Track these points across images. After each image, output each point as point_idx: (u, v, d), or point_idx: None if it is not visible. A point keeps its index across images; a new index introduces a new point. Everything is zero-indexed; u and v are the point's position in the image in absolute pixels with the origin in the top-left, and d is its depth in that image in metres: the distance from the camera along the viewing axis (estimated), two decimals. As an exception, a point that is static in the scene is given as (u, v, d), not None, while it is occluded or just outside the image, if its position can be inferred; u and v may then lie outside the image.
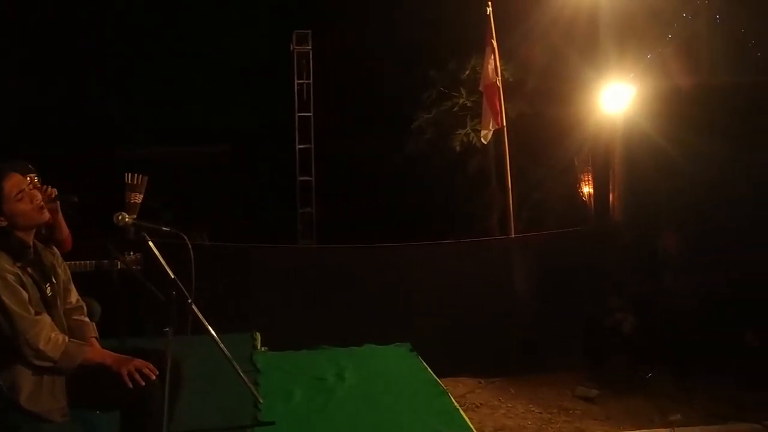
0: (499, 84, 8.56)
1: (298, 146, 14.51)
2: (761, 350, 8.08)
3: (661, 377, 8.24)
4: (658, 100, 9.29)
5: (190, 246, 3.75)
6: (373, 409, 5.36)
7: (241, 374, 4.33)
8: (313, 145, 14.42)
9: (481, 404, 7.69)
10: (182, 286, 3.64)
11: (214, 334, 3.96)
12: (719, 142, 9.26)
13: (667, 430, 6.77)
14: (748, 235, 9.40)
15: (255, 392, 4.87)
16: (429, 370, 6.30)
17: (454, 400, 5.56)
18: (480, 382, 8.30)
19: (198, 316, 3.81)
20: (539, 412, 7.46)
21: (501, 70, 8.81)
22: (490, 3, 8.47)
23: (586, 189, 9.86)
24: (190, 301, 3.68)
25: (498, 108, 8.58)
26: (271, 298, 8.35)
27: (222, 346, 4.04)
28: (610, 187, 9.35)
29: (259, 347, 6.98)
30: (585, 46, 9.15)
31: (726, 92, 9.35)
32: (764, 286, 8.75)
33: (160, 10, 14.16)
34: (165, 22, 14.45)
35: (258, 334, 7.15)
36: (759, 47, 9.44)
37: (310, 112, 14.47)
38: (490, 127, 8.68)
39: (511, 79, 9.39)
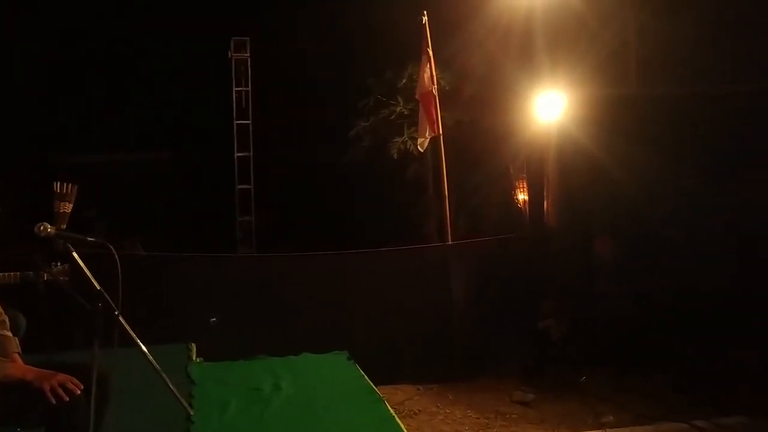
0: (435, 92, 8.64)
1: (236, 154, 14.36)
2: (691, 353, 8.36)
3: (595, 380, 8.44)
4: (591, 108, 9.51)
5: (116, 256, 3.66)
6: (309, 418, 5.34)
7: (171, 386, 4.25)
8: (252, 153, 14.29)
9: (419, 411, 7.73)
10: (109, 298, 3.56)
11: (143, 346, 3.88)
12: (650, 151, 9.54)
13: (600, 431, 6.91)
14: (679, 242, 9.72)
15: (185, 404, 4.78)
16: (366, 377, 6.30)
17: (390, 408, 5.58)
18: (419, 389, 8.34)
19: (125, 328, 3.73)
20: (477, 417, 7.54)
21: (437, 78, 8.90)
22: (425, 12, 8.55)
23: (522, 196, 10.03)
24: (117, 312, 3.59)
25: (434, 116, 8.65)
26: (206, 308, 8.22)
27: (150, 357, 3.96)
28: (545, 194, 9.53)
29: (194, 358, 6.88)
30: (520, 54, 9.31)
31: (655, 102, 9.65)
32: (695, 292, 9.07)
33: (96, 13, 13.86)
34: (102, 25, 14.15)
35: (193, 344, 7.04)
36: (685, 58, 9.76)
37: (248, 120, 14.34)
38: (427, 135, 8.75)
39: (447, 88, 9.49)
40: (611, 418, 7.29)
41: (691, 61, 10.15)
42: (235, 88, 14.32)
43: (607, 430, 6.95)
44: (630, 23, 9.69)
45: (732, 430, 6.80)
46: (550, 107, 9.07)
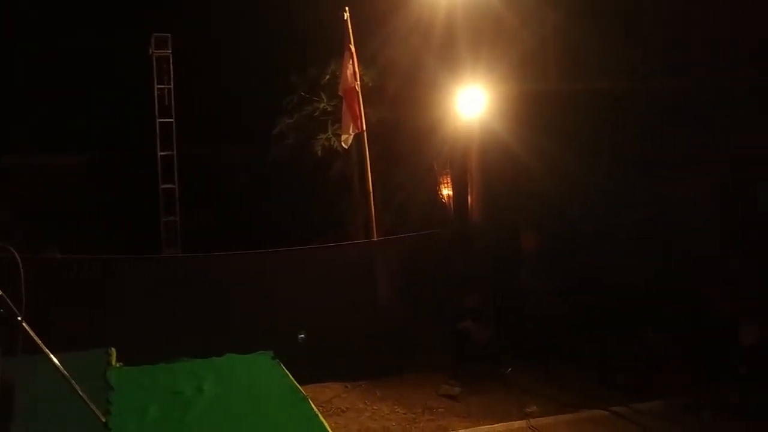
0: (358, 88, 8.63)
1: (159, 153, 14.03)
2: (611, 345, 8.59)
3: (521, 372, 8.59)
4: (512, 104, 9.67)
5: (18, 259, 3.52)
6: (232, 420, 5.24)
7: (80, 393, 4.10)
8: (175, 152, 13.98)
9: (347, 408, 7.72)
10: (10, 303, 3.41)
11: (48, 353, 3.73)
12: (570, 146, 9.76)
13: (524, 421, 7.04)
14: (600, 237, 9.98)
15: (97, 411, 4.62)
16: (290, 377, 6.22)
17: (314, 407, 5.51)
18: (346, 386, 8.33)
19: (31, 335, 3.58)
20: (404, 413, 7.57)
21: (360, 75, 8.90)
22: (347, 8, 8.53)
23: (446, 191, 10.12)
24: (19, 318, 3.45)
25: (357, 112, 8.64)
26: (127, 311, 8.01)
27: (58, 364, 3.81)
28: (469, 190, 9.64)
29: (114, 363, 6.68)
30: (443, 52, 9.38)
31: (573, 97, 9.87)
32: (615, 286, 9.33)
33: (7, 8, 13.31)
34: (14, 21, 13.59)
35: (113, 349, 6.82)
36: (600, 54, 10.00)
37: (171, 118, 14.03)
38: (351, 132, 8.74)
39: (371, 84, 9.49)
40: (535, 408, 7.43)
41: (608, 58, 10.43)
42: (157, 86, 13.98)
43: (531, 420, 7.06)
44: (548, 21, 9.88)
45: (648, 413, 7.02)
46: (472, 103, 9.18)
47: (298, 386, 6.05)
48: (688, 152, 11.18)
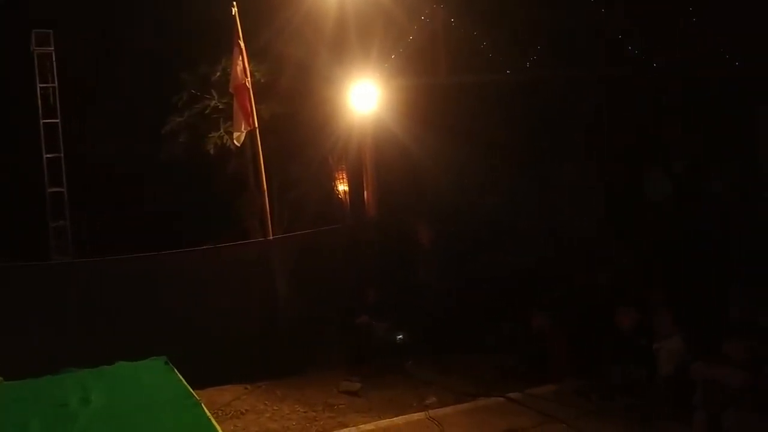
0: (249, 85, 8.48)
1: (45, 155, 13.33)
2: (506, 333, 8.78)
3: (420, 365, 8.68)
4: (404, 99, 9.74)
5: None
6: (119, 430, 5.06)
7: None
8: (63, 154, 13.32)
9: (246, 410, 7.60)
10: None
11: None
12: (460, 139, 9.93)
13: (423, 413, 7.10)
14: (493, 228, 10.19)
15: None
16: (183, 382, 6.04)
17: (207, 411, 5.39)
18: (246, 388, 8.20)
19: None
20: (304, 411, 7.51)
21: (251, 71, 8.74)
22: (235, 4, 8.35)
23: (342, 187, 10.10)
24: None
25: (249, 109, 8.49)
26: (10, 322, 7.62)
27: None
28: (364, 185, 9.64)
29: (-7, 378, 6.34)
30: (335, 46, 9.34)
31: (464, 90, 10.04)
32: (509, 275, 9.54)
33: None
34: None
35: (-8, 364, 6.49)
36: (490, 48, 10.23)
37: (57, 119, 13.35)
38: (243, 129, 8.57)
39: (263, 80, 9.34)
40: (434, 399, 7.52)
41: (498, 53, 10.69)
42: (39, 85, 13.27)
43: (430, 411, 7.14)
44: (437, 16, 10.01)
45: (542, 398, 7.22)
46: (365, 98, 9.18)
47: (192, 391, 5.89)
48: (579, 143, 11.60)
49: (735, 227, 9.80)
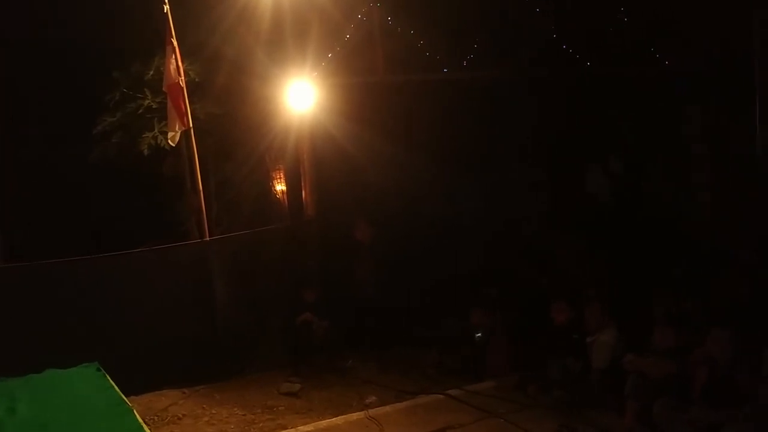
0: (183, 84, 8.32)
1: (-34, 161, 12.82)
2: (447, 330, 8.84)
3: (361, 364, 8.68)
4: (342, 97, 9.71)
5: None
6: (48, 440, 4.94)
7: None
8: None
9: (183, 415, 7.47)
10: None
11: None
12: (399, 138, 9.95)
13: (363, 412, 7.11)
14: (434, 228, 10.27)
15: None
16: (116, 388, 5.93)
17: (139, 418, 5.30)
18: (184, 392, 8.05)
19: None
20: (243, 414, 7.43)
21: (185, 69, 8.58)
22: (167, 1, 8.17)
23: (279, 187, 10.01)
24: None
25: (183, 109, 8.33)
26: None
27: None
28: (302, 184, 9.59)
29: None
30: (271, 46, 9.23)
31: (403, 90, 10.07)
32: (450, 275, 9.62)
33: None
34: None
35: None
36: (428, 48, 10.28)
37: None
38: (177, 129, 8.41)
39: (197, 79, 9.16)
40: (374, 398, 7.53)
41: (437, 51, 10.74)
42: (-42, 85, 12.76)
43: (370, 410, 7.15)
44: (374, 14, 10.01)
45: (481, 394, 7.30)
46: (302, 96, 9.12)
47: (124, 398, 5.80)
48: (522, 143, 11.76)
49: (669, 223, 10.09)
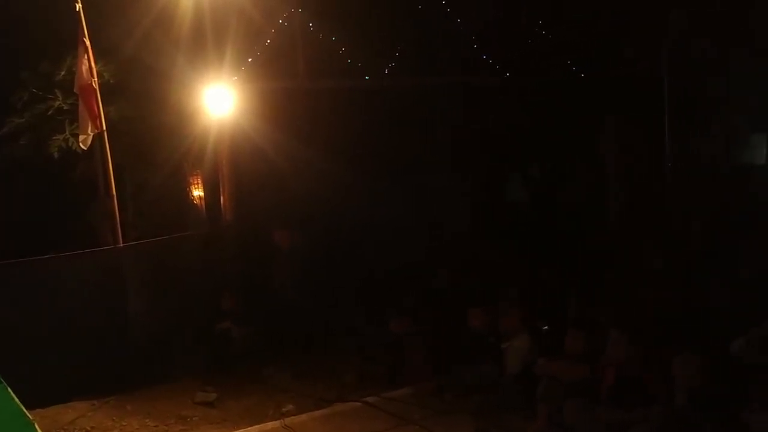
0: (96, 85, 8.08)
1: None
2: (368, 337, 8.82)
3: (279, 371, 8.54)
4: (262, 102, 9.63)
5: None
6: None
7: None
8: None
9: (92, 427, 7.24)
10: None
11: None
12: (322, 144, 9.92)
13: (279, 421, 7.03)
14: (356, 232, 10.24)
15: None
16: (16, 401, 5.64)
17: (39, 430, 5.08)
18: (93, 404, 7.77)
19: None
20: (155, 426, 7.24)
21: (98, 71, 8.34)
22: (79, -1, 7.94)
23: (197, 192, 9.83)
24: None
25: (96, 111, 8.09)
26: None
27: None
28: (221, 190, 9.44)
29: None
30: (190, 50, 9.07)
31: (325, 96, 10.04)
32: (370, 279, 9.60)
33: None
34: None
35: None
36: (350, 54, 10.29)
37: None
38: (89, 131, 8.15)
39: (111, 81, 8.91)
40: (291, 407, 7.44)
41: (359, 57, 10.76)
42: None
43: (286, 419, 7.07)
44: (295, 19, 9.96)
45: (398, 401, 7.31)
46: (221, 100, 8.99)
47: (25, 410, 5.53)
48: (445, 149, 11.89)
49: (585, 229, 10.36)
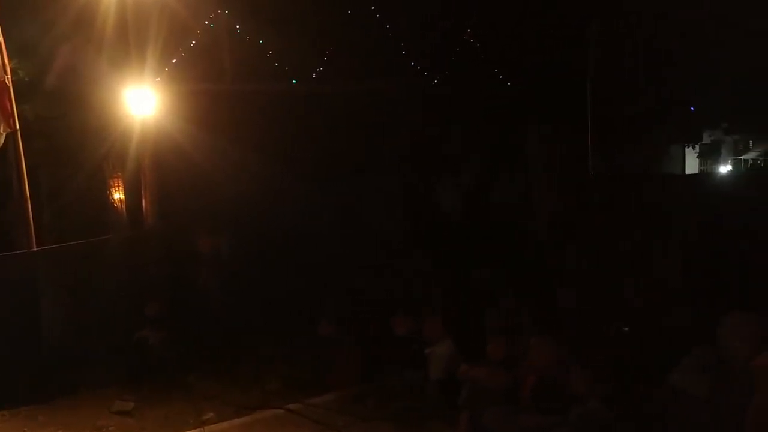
0: (9, 83, 7.76)
1: None
2: (291, 342, 8.71)
3: (202, 379, 8.36)
4: (189, 105, 9.45)
5: None
6: None
7: None
8: None
9: (1, 439, 6.92)
10: None
11: None
12: (247, 146, 9.78)
13: (198, 430, 6.87)
14: (285, 239, 10.13)
15: None
16: None
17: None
18: (3, 415, 7.48)
19: None
20: (67, 436, 6.97)
21: (12, 68, 8.00)
22: (-10, -6, 7.62)
23: (118, 195, 9.55)
24: None
25: (9, 109, 7.76)
26: None
27: None
28: (143, 193, 9.19)
29: None
30: (111, 47, 8.83)
31: (249, 98, 9.91)
32: (298, 285, 9.49)
33: None
34: None
35: None
36: (278, 58, 10.19)
37: None
38: (2, 131, 7.81)
39: (27, 79, 8.59)
40: (212, 415, 7.27)
41: (286, 61, 10.66)
42: None
43: (206, 427, 6.91)
44: (221, 21, 9.81)
45: (321, 407, 7.22)
46: (143, 102, 8.76)
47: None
48: (376, 155, 11.89)
49: (512, 235, 10.49)
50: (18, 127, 7.90)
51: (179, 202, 9.55)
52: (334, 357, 8.02)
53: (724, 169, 37.02)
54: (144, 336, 8.50)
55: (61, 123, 8.90)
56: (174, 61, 9.38)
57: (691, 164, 35.04)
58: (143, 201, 9.18)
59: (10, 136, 8.04)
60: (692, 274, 7.74)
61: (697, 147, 35.71)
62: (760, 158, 38.42)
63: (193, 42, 9.51)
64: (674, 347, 5.72)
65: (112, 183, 9.54)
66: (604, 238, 9.08)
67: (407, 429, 6.49)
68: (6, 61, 7.78)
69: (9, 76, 7.83)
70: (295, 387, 7.92)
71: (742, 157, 39.43)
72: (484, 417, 5.99)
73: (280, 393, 7.83)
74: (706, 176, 32.14)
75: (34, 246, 8.05)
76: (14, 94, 7.91)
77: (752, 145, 38.89)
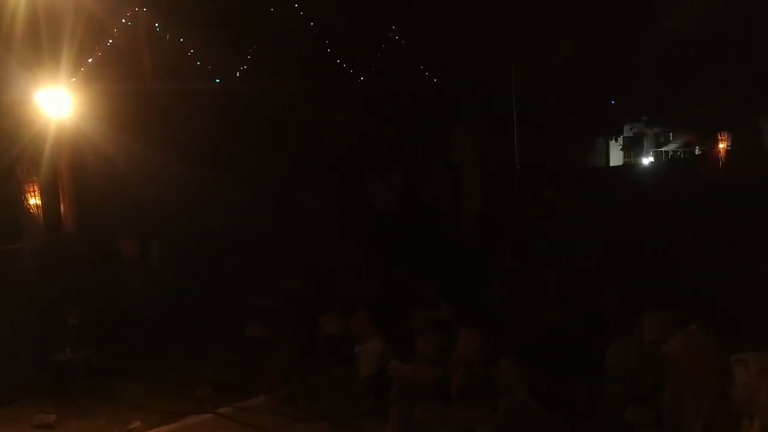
0: None
1: None
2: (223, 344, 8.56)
3: (129, 387, 8.13)
4: (109, 106, 9.19)
5: None
6: None
7: None
8: None
9: None
10: None
11: None
12: (170, 149, 9.56)
13: (126, 438, 6.68)
14: (214, 242, 9.95)
15: None
16: None
17: None
18: None
19: None
20: (-16, 453, 6.69)
21: None
22: None
23: (33, 200, 9.18)
24: None
25: None
26: None
27: None
28: (61, 197, 8.87)
29: None
30: (22, 46, 8.46)
31: (172, 98, 9.69)
32: (227, 287, 9.33)
33: None
34: None
35: None
36: (200, 57, 10.00)
37: None
38: None
39: None
40: (138, 423, 7.10)
41: (208, 60, 10.48)
42: None
43: (132, 436, 6.72)
44: (140, 19, 9.57)
45: (251, 410, 7.17)
46: (58, 103, 8.45)
47: None
48: (307, 154, 11.80)
49: (442, 232, 10.58)
50: None
51: (101, 205, 9.26)
52: (263, 358, 7.93)
53: (647, 160, 38.29)
54: (65, 345, 8.20)
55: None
56: (90, 60, 9.06)
57: (616, 156, 36.11)
58: (61, 205, 8.86)
59: None
60: (615, 263, 7.94)
61: (620, 140, 36.79)
62: (680, 149, 39.87)
63: (110, 41, 9.23)
64: (598, 337, 5.87)
65: (27, 188, 9.16)
66: (528, 230, 9.26)
67: (339, 428, 6.48)
68: None
69: None
70: (224, 390, 7.80)
71: (663, 149, 40.84)
72: (415, 413, 6.02)
73: (210, 397, 7.72)
74: (628, 168, 33.16)
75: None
76: None
77: (672, 136, 40.32)
